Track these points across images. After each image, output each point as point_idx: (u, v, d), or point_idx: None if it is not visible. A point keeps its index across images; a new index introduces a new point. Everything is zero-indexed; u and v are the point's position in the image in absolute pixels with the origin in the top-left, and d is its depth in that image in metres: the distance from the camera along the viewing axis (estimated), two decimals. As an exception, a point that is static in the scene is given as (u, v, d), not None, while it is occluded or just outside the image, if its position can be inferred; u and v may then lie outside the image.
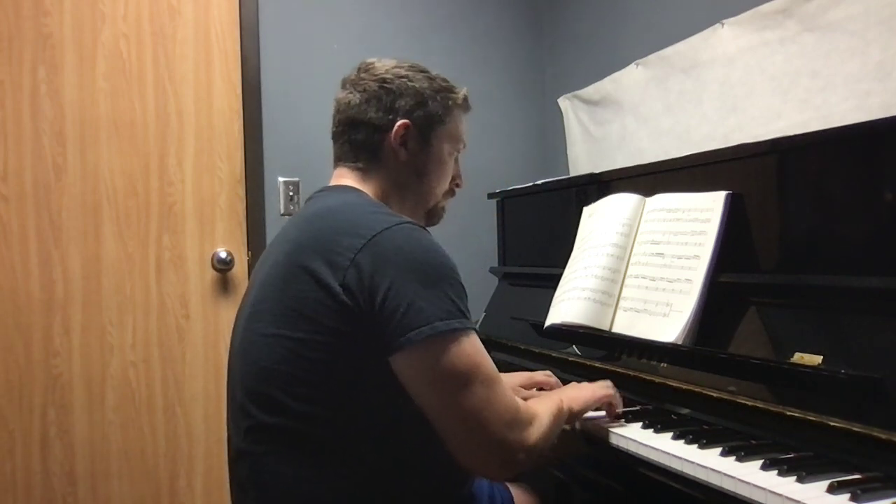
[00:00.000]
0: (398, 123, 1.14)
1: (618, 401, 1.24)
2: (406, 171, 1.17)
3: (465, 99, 1.23)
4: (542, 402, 1.11)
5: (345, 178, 1.17)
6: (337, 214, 1.05)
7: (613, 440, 1.17)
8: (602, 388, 1.24)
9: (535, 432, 1.02)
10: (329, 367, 0.98)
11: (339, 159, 1.19)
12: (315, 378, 0.98)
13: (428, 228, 1.12)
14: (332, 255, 0.98)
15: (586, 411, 1.20)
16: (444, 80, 1.21)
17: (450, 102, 1.20)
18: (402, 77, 1.16)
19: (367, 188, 1.15)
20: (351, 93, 1.17)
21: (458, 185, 1.28)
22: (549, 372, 1.49)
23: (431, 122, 1.17)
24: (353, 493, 1.00)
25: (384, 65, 1.18)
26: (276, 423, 1.00)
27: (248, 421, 1.04)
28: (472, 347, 0.98)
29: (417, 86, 1.16)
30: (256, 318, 1.06)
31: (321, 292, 0.97)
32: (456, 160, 1.26)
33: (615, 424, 1.21)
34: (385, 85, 1.15)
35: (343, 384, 0.98)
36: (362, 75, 1.18)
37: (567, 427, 1.17)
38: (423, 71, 1.19)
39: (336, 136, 1.20)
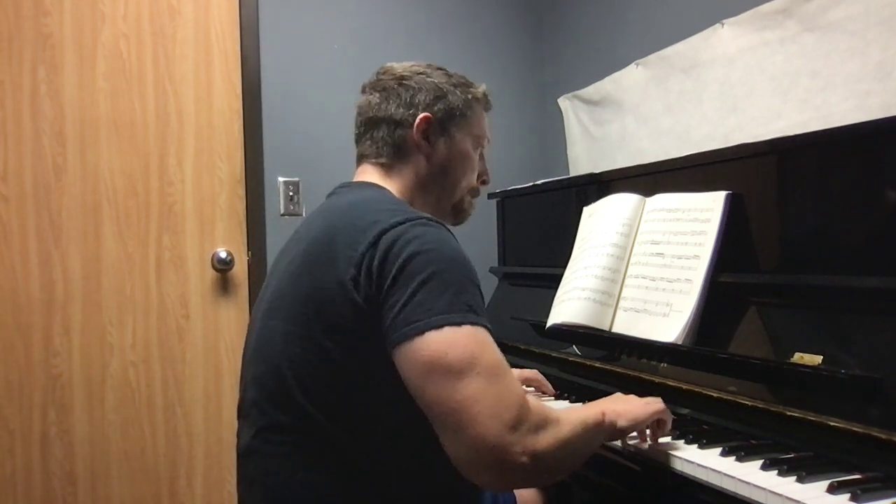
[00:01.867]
0: (419, 117, 1.15)
1: (668, 417, 1.11)
2: (429, 165, 1.17)
3: (486, 95, 1.25)
4: (573, 410, 1.04)
5: (367, 174, 1.17)
6: (354, 210, 1.05)
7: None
8: (654, 403, 1.10)
9: (548, 438, 0.90)
10: (342, 366, 0.97)
11: (363, 157, 1.20)
12: (328, 377, 0.97)
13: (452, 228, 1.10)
14: (346, 250, 0.97)
15: (635, 429, 1.08)
16: (462, 77, 1.23)
17: (469, 96, 1.21)
18: (419, 73, 1.18)
19: (390, 185, 1.15)
20: (371, 94, 1.19)
21: (484, 182, 1.28)
22: (535, 370, 1.51)
23: (452, 114, 1.18)
24: (361, 498, 0.99)
25: (401, 65, 1.20)
26: (289, 422, 1.00)
27: (261, 419, 1.03)
28: (473, 339, 0.91)
29: (436, 80, 1.18)
30: (273, 315, 1.06)
31: (334, 289, 0.96)
32: (481, 156, 1.26)
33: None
34: (404, 82, 1.17)
35: (356, 384, 0.98)
36: (381, 77, 1.20)
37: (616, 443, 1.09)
38: (440, 68, 1.22)
39: (358, 138, 1.21)
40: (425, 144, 1.16)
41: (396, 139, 1.16)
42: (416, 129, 1.15)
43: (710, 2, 1.96)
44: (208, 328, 2.33)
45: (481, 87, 1.24)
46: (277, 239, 2.38)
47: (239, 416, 1.14)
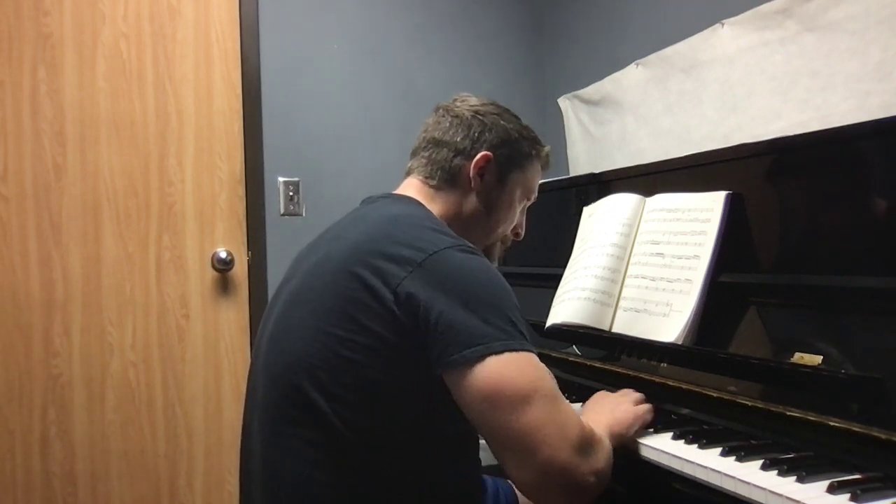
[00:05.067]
0: (481, 154, 1.17)
1: (651, 415, 1.17)
2: (475, 203, 1.19)
3: (547, 156, 1.28)
4: (595, 424, 1.04)
5: (412, 189, 1.19)
6: (400, 224, 1.05)
7: (613, 440, 1.16)
8: (642, 408, 1.16)
9: (604, 455, 0.97)
10: (364, 370, 0.96)
11: (412, 171, 1.21)
12: (347, 379, 0.97)
13: None
14: (390, 263, 0.97)
15: (630, 434, 1.13)
16: (532, 132, 1.25)
17: (533, 152, 1.24)
18: (494, 114, 1.21)
19: (433, 207, 1.16)
20: (443, 116, 1.21)
21: (517, 236, 1.30)
22: None
23: (512, 163, 1.21)
24: (366, 499, 0.98)
25: (480, 99, 1.23)
26: (300, 417, 0.99)
27: (271, 411, 1.03)
28: (532, 365, 0.95)
29: (508, 126, 1.21)
30: (296, 308, 1.05)
31: (371, 297, 0.96)
32: (522, 211, 1.28)
33: None
34: (478, 116, 1.19)
35: (375, 390, 0.97)
36: (457, 103, 1.22)
37: None
38: (515, 117, 1.24)
39: (416, 151, 1.22)
40: (478, 181, 1.18)
41: (453, 167, 1.17)
42: (475, 164, 1.17)
43: (710, 2, 1.96)
44: (208, 328, 2.33)
45: (546, 148, 1.28)
46: (277, 239, 2.38)
47: (246, 406, 1.13)
